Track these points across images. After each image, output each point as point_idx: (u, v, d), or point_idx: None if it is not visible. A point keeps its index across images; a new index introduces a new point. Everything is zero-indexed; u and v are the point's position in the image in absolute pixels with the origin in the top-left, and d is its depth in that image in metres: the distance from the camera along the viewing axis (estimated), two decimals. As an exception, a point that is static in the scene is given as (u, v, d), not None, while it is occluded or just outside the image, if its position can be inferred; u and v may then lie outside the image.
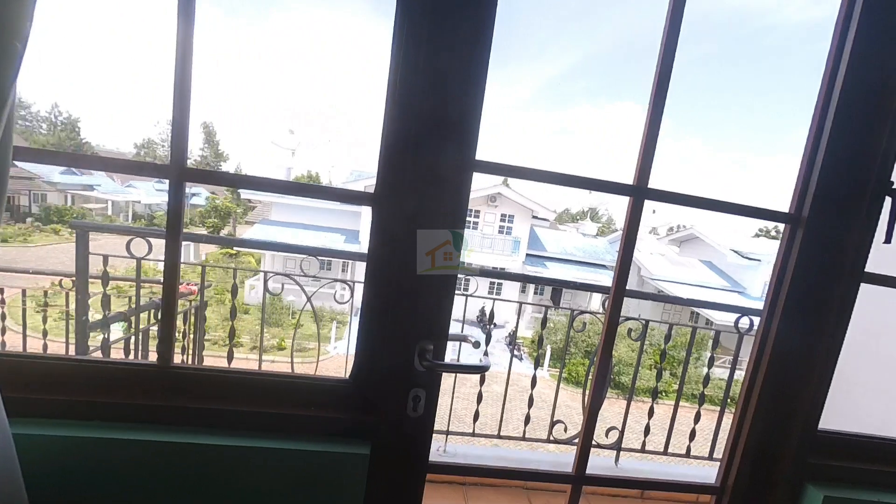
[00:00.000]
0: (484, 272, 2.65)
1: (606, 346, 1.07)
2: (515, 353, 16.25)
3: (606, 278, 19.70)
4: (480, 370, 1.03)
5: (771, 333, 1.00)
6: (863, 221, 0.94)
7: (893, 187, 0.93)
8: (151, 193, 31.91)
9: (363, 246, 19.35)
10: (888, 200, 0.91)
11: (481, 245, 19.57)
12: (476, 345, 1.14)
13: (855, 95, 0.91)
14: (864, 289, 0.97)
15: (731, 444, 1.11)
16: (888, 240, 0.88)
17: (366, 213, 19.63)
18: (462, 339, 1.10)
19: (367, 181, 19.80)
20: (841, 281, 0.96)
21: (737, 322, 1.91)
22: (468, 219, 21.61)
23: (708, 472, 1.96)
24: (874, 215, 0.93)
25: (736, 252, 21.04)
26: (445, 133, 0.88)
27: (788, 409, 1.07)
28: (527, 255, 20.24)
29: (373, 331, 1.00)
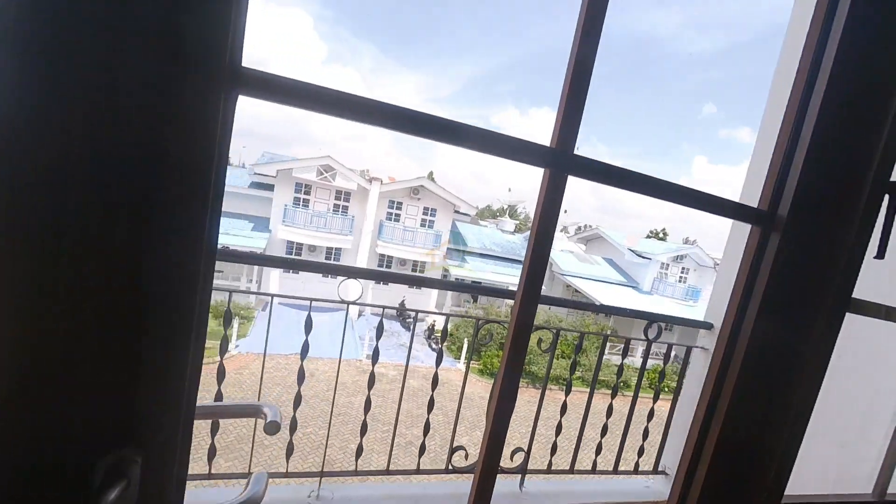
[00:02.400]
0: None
1: (513, 363, 0.82)
2: (434, 346, 16.29)
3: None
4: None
5: (729, 381, 0.84)
6: (856, 226, 0.77)
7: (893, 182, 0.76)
8: None
9: (275, 235, 17.87)
10: (886, 200, 0.75)
11: (403, 238, 19.24)
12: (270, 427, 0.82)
13: (846, 78, 0.75)
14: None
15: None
16: (880, 254, 0.75)
17: (279, 199, 18.18)
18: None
19: (279, 164, 18.27)
20: (823, 306, 0.78)
21: (646, 329, 1.86)
22: (390, 211, 21.20)
23: (622, 488, 1.90)
24: (869, 217, 0.77)
25: (632, 251, 23.40)
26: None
27: (748, 474, 0.88)
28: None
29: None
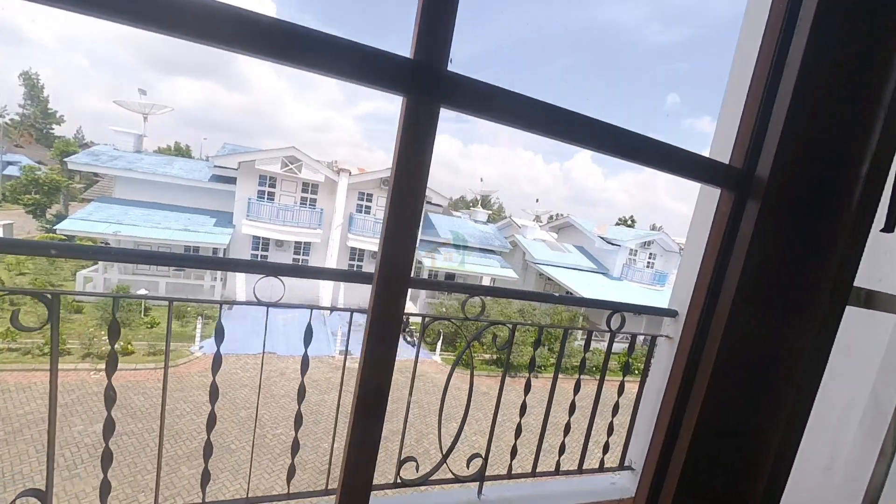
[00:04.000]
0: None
1: (375, 362, 0.63)
2: (408, 338, 16.12)
3: (497, 263, 20.65)
4: None
5: (702, 375, 0.65)
6: (858, 191, 0.56)
7: None
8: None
9: (239, 230, 17.12)
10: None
11: (375, 231, 18.82)
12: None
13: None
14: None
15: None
16: (889, 226, 0.57)
17: (242, 192, 17.43)
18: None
19: (241, 156, 17.44)
20: (819, 293, 0.58)
21: (608, 319, 1.71)
22: (360, 203, 20.92)
23: (588, 487, 1.76)
24: (876, 180, 0.56)
25: (602, 238, 23.83)
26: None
27: (736, 474, 0.69)
28: (420, 240, 20.11)
29: None
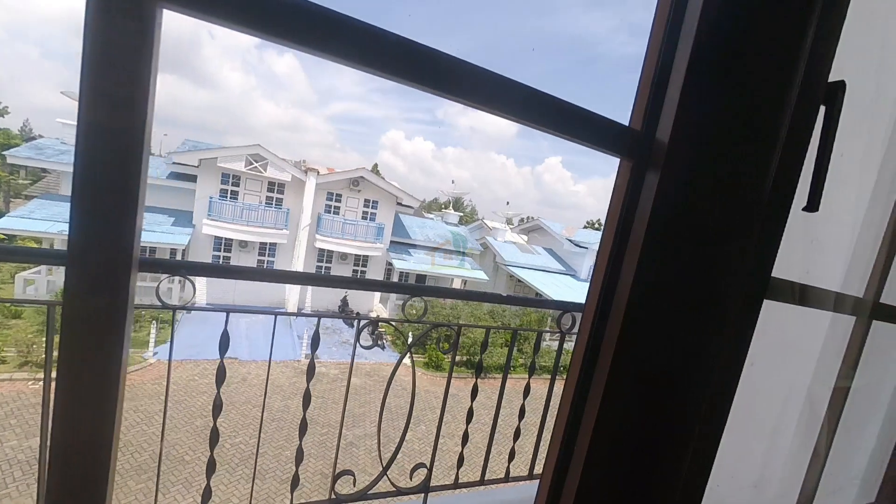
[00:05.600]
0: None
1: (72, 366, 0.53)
2: (378, 342, 15.87)
3: (468, 265, 20.68)
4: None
5: (600, 374, 0.57)
6: (776, 158, 0.49)
7: (835, 85, 0.49)
8: None
9: (200, 231, 16.37)
10: (821, 114, 0.49)
11: (343, 232, 18.44)
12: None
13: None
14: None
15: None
16: (812, 204, 0.51)
17: (203, 191, 16.72)
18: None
19: (202, 153, 16.70)
20: (730, 282, 0.51)
21: (559, 319, 1.66)
22: (329, 203, 20.60)
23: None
24: (796, 144, 0.49)
25: (570, 241, 24.34)
26: None
27: (648, 477, 0.60)
28: (391, 242, 19.87)
29: None
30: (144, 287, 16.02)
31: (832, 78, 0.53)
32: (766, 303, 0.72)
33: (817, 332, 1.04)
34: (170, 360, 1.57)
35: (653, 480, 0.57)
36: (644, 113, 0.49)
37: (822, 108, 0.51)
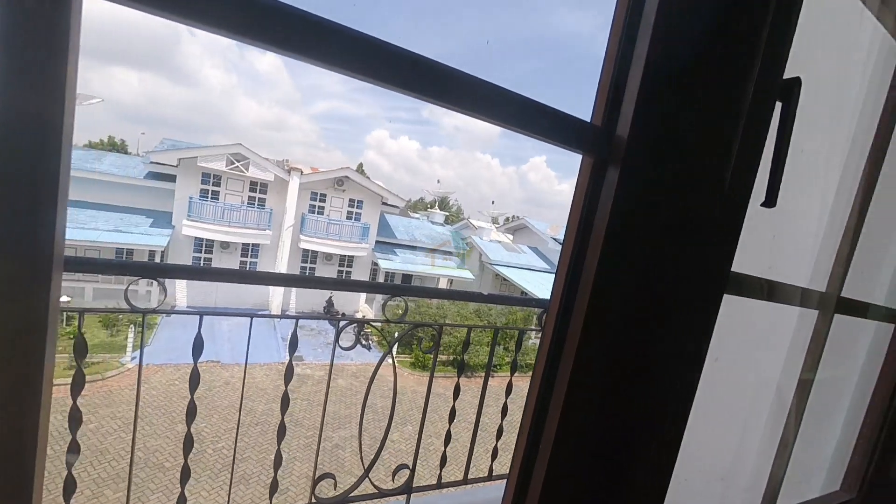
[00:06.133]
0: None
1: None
2: (363, 342, 15.77)
3: (454, 264, 20.71)
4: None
5: (563, 371, 0.57)
6: (734, 153, 0.49)
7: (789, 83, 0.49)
8: None
9: (179, 232, 15.99)
10: (777, 112, 0.50)
11: (328, 232, 18.24)
12: None
13: None
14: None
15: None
16: (770, 200, 0.51)
17: (182, 191, 16.35)
18: None
19: (181, 152, 16.31)
20: (689, 277, 0.51)
21: (541, 317, 1.66)
22: (313, 203, 20.42)
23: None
24: (753, 140, 0.50)
25: (555, 239, 24.59)
26: None
27: (614, 474, 0.60)
28: (376, 242, 19.75)
29: None
30: (122, 291, 15.57)
31: (793, 74, 0.54)
32: (737, 299, 0.73)
33: (786, 327, 1.07)
34: (140, 365, 1.53)
35: (618, 473, 0.57)
36: (604, 109, 0.49)
37: (780, 105, 0.51)
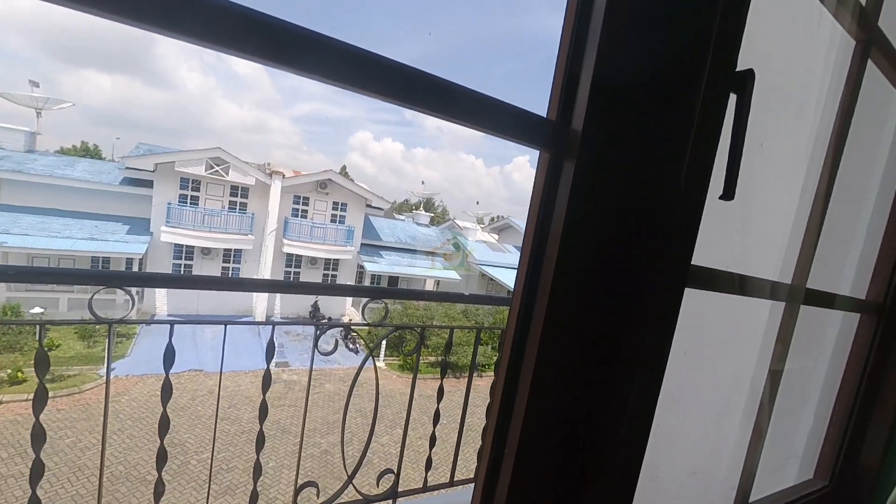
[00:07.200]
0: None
1: None
2: (350, 346, 15.62)
3: (440, 265, 20.69)
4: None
5: (526, 370, 0.55)
6: (689, 146, 0.48)
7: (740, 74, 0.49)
8: None
9: (158, 238, 15.60)
10: (732, 103, 0.48)
11: (312, 235, 18.03)
12: None
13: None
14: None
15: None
16: (728, 193, 0.51)
17: (160, 197, 15.96)
18: None
19: (158, 157, 15.92)
20: (649, 271, 0.50)
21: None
22: (296, 206, 20.18)
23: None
24: (708, 133, 0.49)
25: (541, 238, 24.76)
26: None
27: (580, 474, 0.59)
28: (362, 244, 19.60)
29: None
30: (101, 300, 15.10)
31: (754, 66, 0.54)
32: (706, 294, 0.73)
33: (757, 320, 1.08)
34: (108, 377, 1.47)
35: (584, 470, 0.57)
36: (559, 103, 0.48)
37: (735, 98, 0.51)
